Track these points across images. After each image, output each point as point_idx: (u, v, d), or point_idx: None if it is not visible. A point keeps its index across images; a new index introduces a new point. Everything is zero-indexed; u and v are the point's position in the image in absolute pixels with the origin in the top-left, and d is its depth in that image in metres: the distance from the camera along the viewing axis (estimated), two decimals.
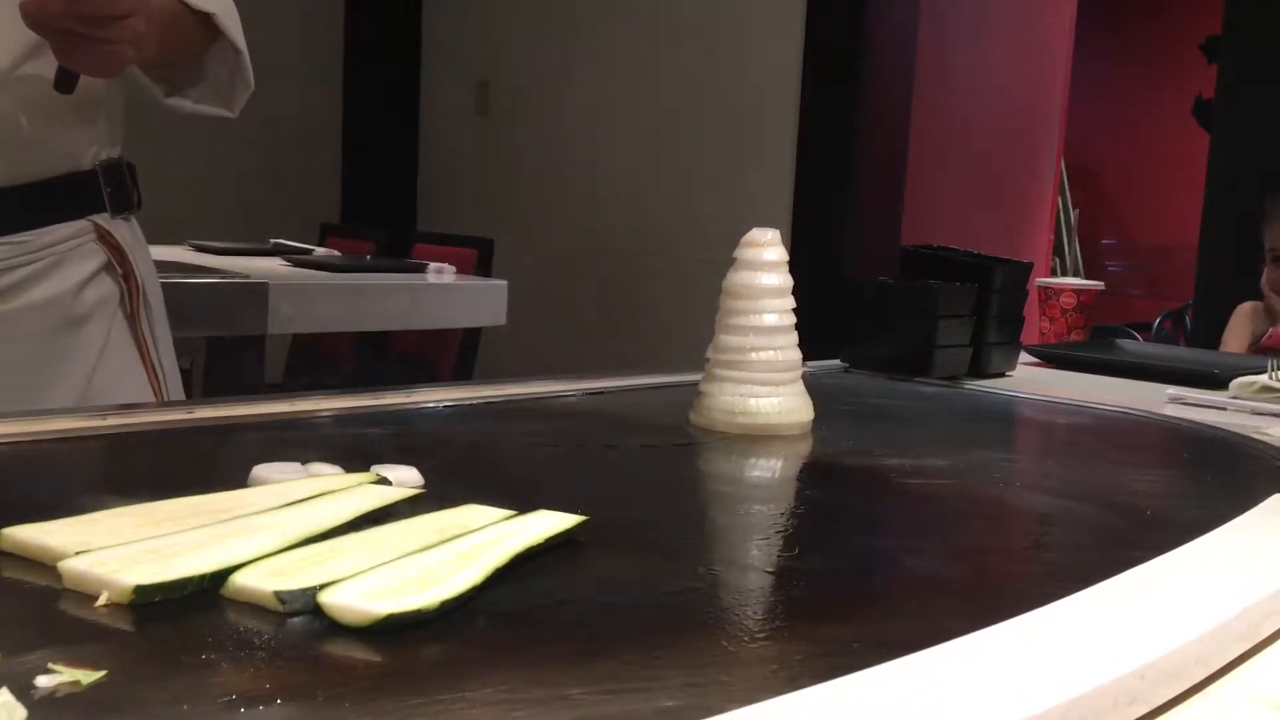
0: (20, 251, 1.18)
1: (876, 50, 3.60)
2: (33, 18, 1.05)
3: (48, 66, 1.11)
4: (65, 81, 1.11)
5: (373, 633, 0.51)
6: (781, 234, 1.06)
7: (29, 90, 1.15)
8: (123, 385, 1.28)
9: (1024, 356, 1.60)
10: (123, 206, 1.30)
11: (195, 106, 1.34)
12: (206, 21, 1.26)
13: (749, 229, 1.06)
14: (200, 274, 2.61)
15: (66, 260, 1.22)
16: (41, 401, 1.19)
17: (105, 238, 1.26)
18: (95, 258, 1.25)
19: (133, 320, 1.29)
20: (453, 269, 3.33)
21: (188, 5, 1.23)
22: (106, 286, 1.27)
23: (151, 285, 1.34)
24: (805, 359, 1.06)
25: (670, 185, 3.97)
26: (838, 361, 1.47)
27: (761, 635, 0.55)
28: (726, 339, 1.04)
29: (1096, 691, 0.47)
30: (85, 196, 1.25)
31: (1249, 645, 0.57)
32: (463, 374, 3.46)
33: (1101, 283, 1.99)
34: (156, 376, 1.32)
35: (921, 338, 1.39)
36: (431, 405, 1.09)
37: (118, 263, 1.27)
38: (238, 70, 1.32)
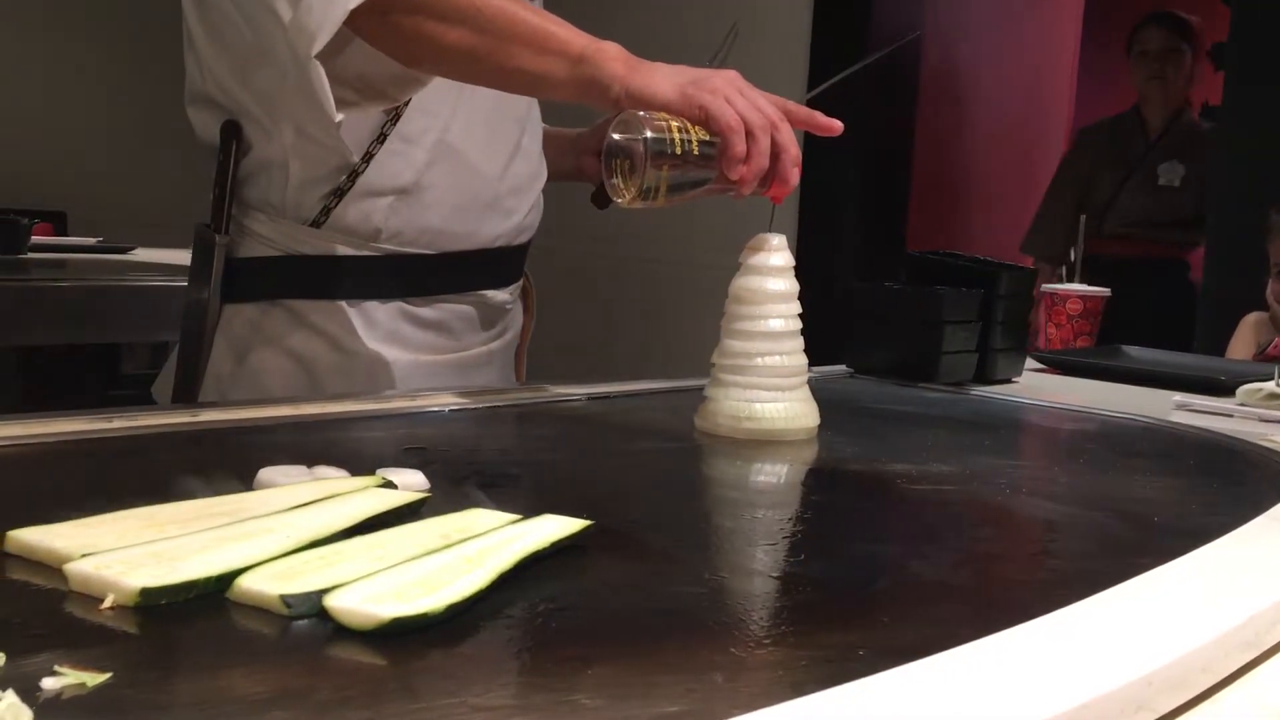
0: (514, 298, 1.39)
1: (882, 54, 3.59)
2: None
3: None
4: (603, 200, 1.30)
5: (377, 636, 0.51)
6: (787, 239, 1.05)
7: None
8: None
9: (1030, 362, 1.60)
10: None
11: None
12: None
13: (755, 234, 1.06)
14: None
15: (519, 304, 1.43)
16: None
17: (528, 282, 1.46)
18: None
19: (519, 352, 1.48)
20: None
21: None
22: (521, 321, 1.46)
23: None
24: (810, 364, 1.06)
25: None
26: (843, 367, 1.47)
27: (766, 641, 0.55)
28: (732, 344, 1.04)
29: (1103, 699, 0.47)
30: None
31: (1256, 653, 0.57)
32: None
33: (1108, 289, 1.98)
34: None
35: (927, 343, 1.39)
36: (437, 409, 1.09)
37: (526, 306, 1.48)
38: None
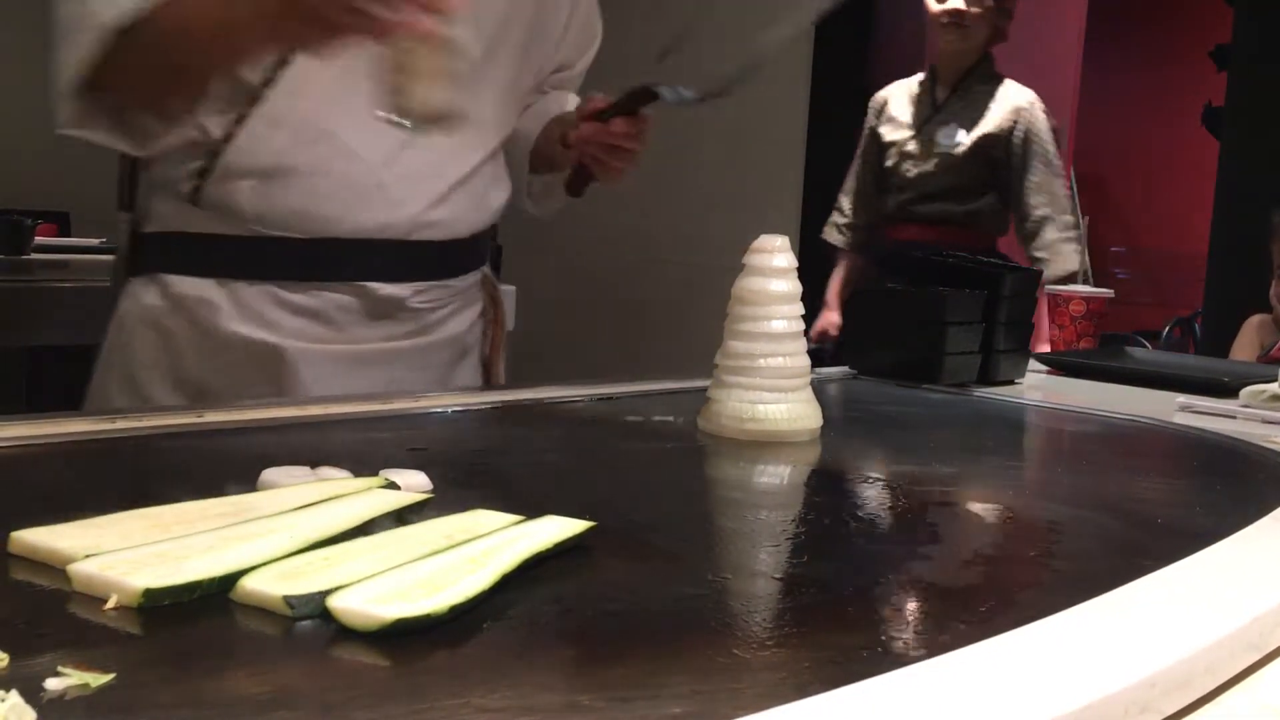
0: (451, 292, 1.35)
1: (885, 57, 3.59)
2: (590, 135, 1.30)
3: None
4: (577, 186, 1.34)
5: (381, 637, 0.51)
6: (790, 241, 1.05)
7: (494, 154, 1.35)
8: None
9: (1033, 364, 1.59)
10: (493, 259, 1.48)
11: (533, 209, 1.54)
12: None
13: (758, 235, 1.06)
14: None
15: (468, 302, 1.39)
16: None
17: (486, 283, 1.44)
18: (479, 301, 1.42)
19: (489, 363, 1.45)
20: None
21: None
22: (479, 328, 1.43)
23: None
24: (813, 365, 1.06)
25: (679, 191, 3.97)
26: (846, 368, 1.47)
27: (770, 642, 0.55)
28: (735, 345, 1.04)
29: (1107, 700, 0.47)
30: (485, 248, 1.42)
31: (1260, 655, 0.57)
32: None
33: (1111, 290, 1.98)
34: None
35: (930, 345, 1.39)
36: (440, 410, 1.09)
37: (491, 308, 1.45)
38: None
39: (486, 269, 1.44)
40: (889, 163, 3.04)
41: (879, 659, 0.50)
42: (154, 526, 0.62)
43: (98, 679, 0.44)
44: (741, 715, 0.43)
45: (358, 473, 0.76)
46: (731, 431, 1.02)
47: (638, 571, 0.66)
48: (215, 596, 0.54)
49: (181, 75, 1.14)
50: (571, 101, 1.47)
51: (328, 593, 0.53)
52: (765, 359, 1.02)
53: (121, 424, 0.91)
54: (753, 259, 1.04)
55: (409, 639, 0.51)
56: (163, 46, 1.10)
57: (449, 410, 1.10)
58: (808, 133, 3.69)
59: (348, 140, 1.22)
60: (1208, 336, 3.36)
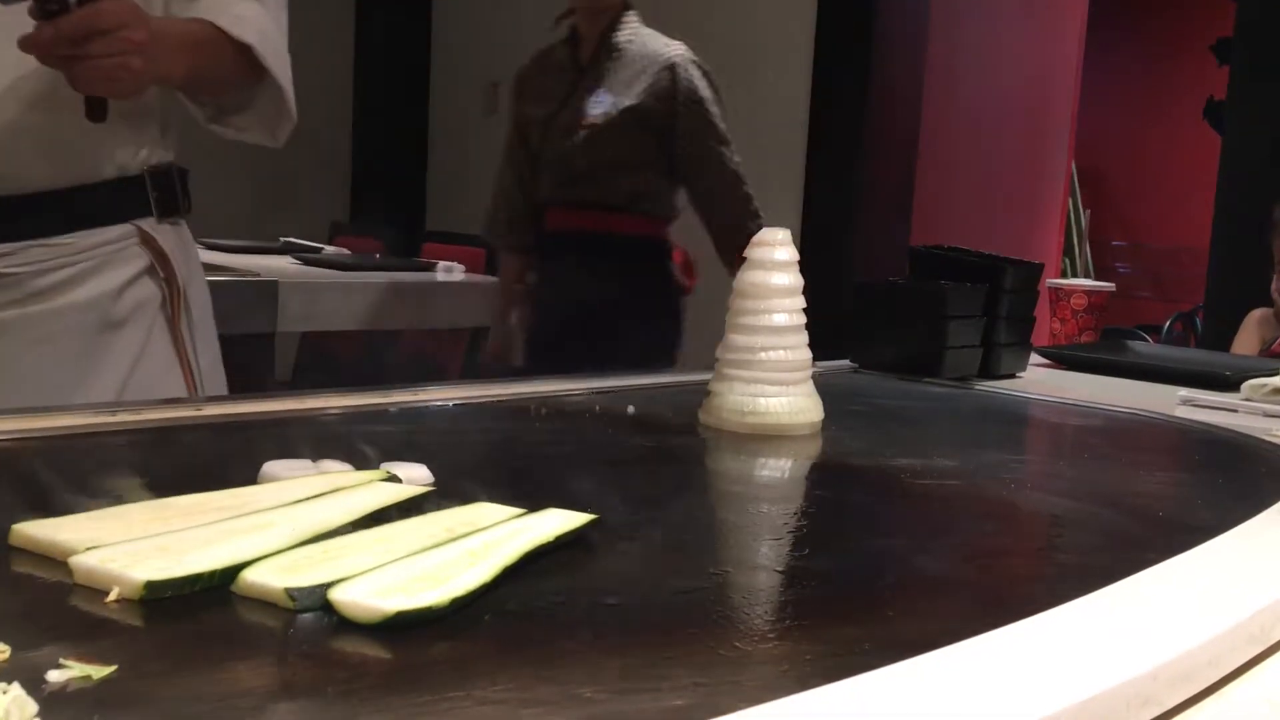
0: (62, 253, 1.20)
1: (887, 52, 3.59)
2: (30, 51, 1.08)
3: None
4: (95, 110, 1.14)
5: (382, 630, 0.51)
6: (792, 234, 1.05)
7: (71, 96, 1.15)
8: (159, 388, 1.29)
9: (1034, 357, 1.59)
10: (170, 211, 1.31)
11: (238, 134, 1.34)
12: (251, 53, 1.24)
13: (759, 228, 1.06)
14: (211, 272, 2.61)
15: (108, 263, 1.24)
16: (77, 401, 1.19)
17: (149, 242, 1.27)
18: (137, 261, 1.27)
19: (172, 324, 1.30)
20: (462, 268, 3.34)
21: (228, 35, 1.22)
22: (147, 290, 1.28)
23: (196, 288, 1.35)
24: (815, 359, 1.06)
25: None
26: (847, 362, 1.46)
27: (771, 635, 0.55)
28: (736, 338, 1.04)
29: (1109, 693, 0.47)
30: (131, 201, 1.26)
31: (1262, 648, 0.57)
32: (471, 372, 3.46)
33: (1112, 284, 1.98)
34: (193, 380, 1.33)
35: (932, 338, 1.39)
36: (440, 403, 1.09)
37: (160, 267, 1.28)
38: (281, 102, 1.31)
39: (143, 222, 1.28)
40: (534, 143, 2.59)
41: (881, 652, 0.50)
42: (155, 519, 0.62)
43: (99, 671, 0.44)
44: (743, 708, 0.43)
45: (359, 466, 0.76)
46: (733, 425, 1.02)
47: (639, 564, 0.66)
48: (217, 589, 0.54)
49: None
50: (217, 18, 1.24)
51: (329, 585, 0.53)
52: (766, 352, 1.02)
53: (123, 417, 0.91)
54: (754, 252, 1.04)
55: (410, 631, 0.51)
56: None
57: (449, 403, 1.10)
58: (808, 126, 3.69)
59: None
60: (1209, 330, 3.36)
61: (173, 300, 1.30)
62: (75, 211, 1.21)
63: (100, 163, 1.23)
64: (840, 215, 3.62)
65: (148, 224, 1.28)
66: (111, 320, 1.25)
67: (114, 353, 1.25)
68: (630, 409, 1.08)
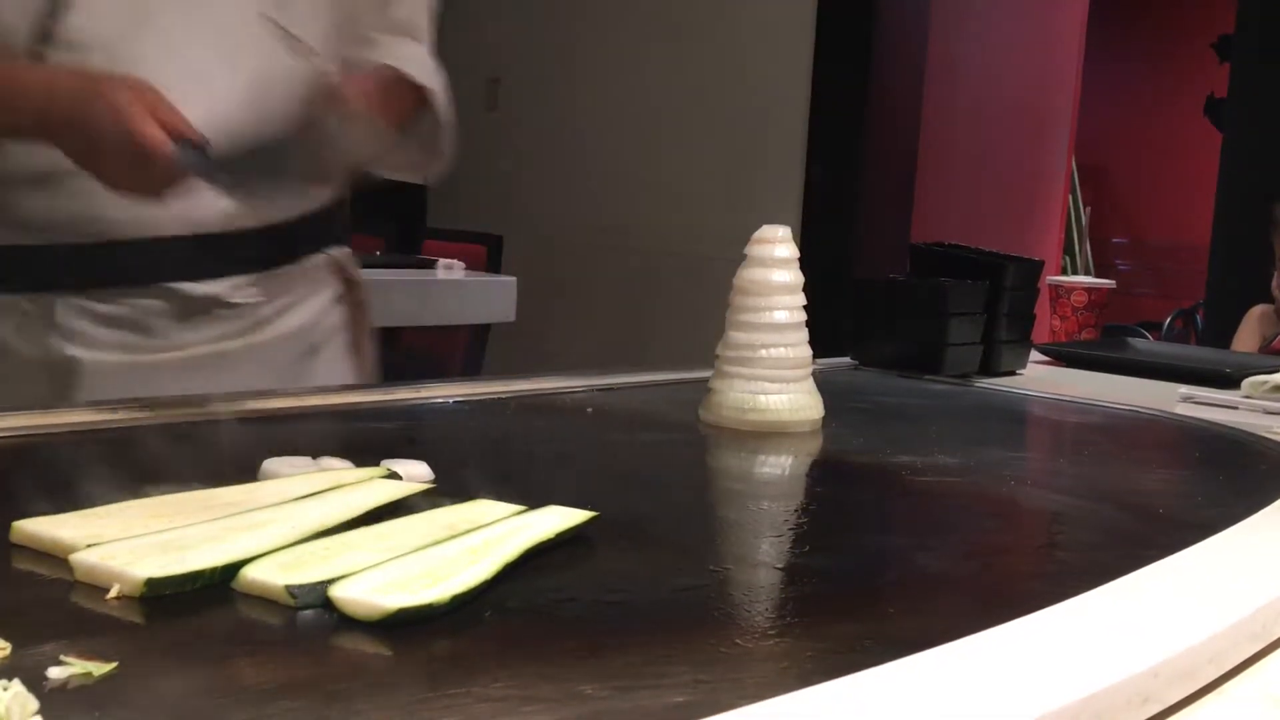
0: (283, 284, 1.24)
1: (887, 48, 3.59)
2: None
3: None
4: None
5: (383, 627, 0.51)
6: (792, 231, 1.05)
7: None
8: None
9: (1035, 355, 1.59)
10: (348, 237, 1.35)
11: (389, 172, 1.36)
12: (420, 92, 1.26)
13: (759, 226, 1.06)
14: None
15: (312, 291, 1.28)
16: None
17: (338, 268, 1.32)
18: (330, 288, 1.31)
19: (355, 347, 1.34)
20: (462, 265, 3.33)
21: (406, 77, 1.24)
22: (337, 315, 1.32)
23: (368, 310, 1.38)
24: (815, 356, 1.06)
25: (680, 182, 3.96)
26: (848, 359, 1.46)
27: (772, 632, 0.55)
28: (737, 336, 1.04)
29: (1109, 690, 0.47)
30: (329, 229, 1.30)
31: (1262, 645, 0.57)
32: (472, 370, 3.47)
33: (1113, 281, 1.98)
34: None
35: (932, 335, 1.39)
36: (441, 401, 1.09)
37: (348, 292, 1.32)
38: (438, 141, 1.31)
39: (335, 250, 1.32)
40: None
41: (881, 649, 0.50)
42: (156, 516, 0.62)
43: (100, 668, 0.44)
44: (743, 705, 0.43)
45: (359, 463, 0.76)
46: (733, 422, 1.02)
47: (639, 562, 0.66)
48: (217, 586, 0.54)
49: None
50: (406, 48, 1.28)
51: (330, 582, 0.53)
52: (767, 349, 1.02)
53: (123, 414, 0.91)
54: (754, 249, 1.04)
55: (411, 629, 0.51)
56: None
57: (450, 401, 1.10)
58: (809, 123, 3.69)
59: None
60: (1209, 328, 3.37)
61: (357, 324, 1.34)
62: (295, 242, 1.26)
63: (320, 194, 1.28)
64: (840, 212, 3.62)
65: (336, 251, 1.32)
66: (311, 346, 1.29)
67: (314, 378, 1.28)
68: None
